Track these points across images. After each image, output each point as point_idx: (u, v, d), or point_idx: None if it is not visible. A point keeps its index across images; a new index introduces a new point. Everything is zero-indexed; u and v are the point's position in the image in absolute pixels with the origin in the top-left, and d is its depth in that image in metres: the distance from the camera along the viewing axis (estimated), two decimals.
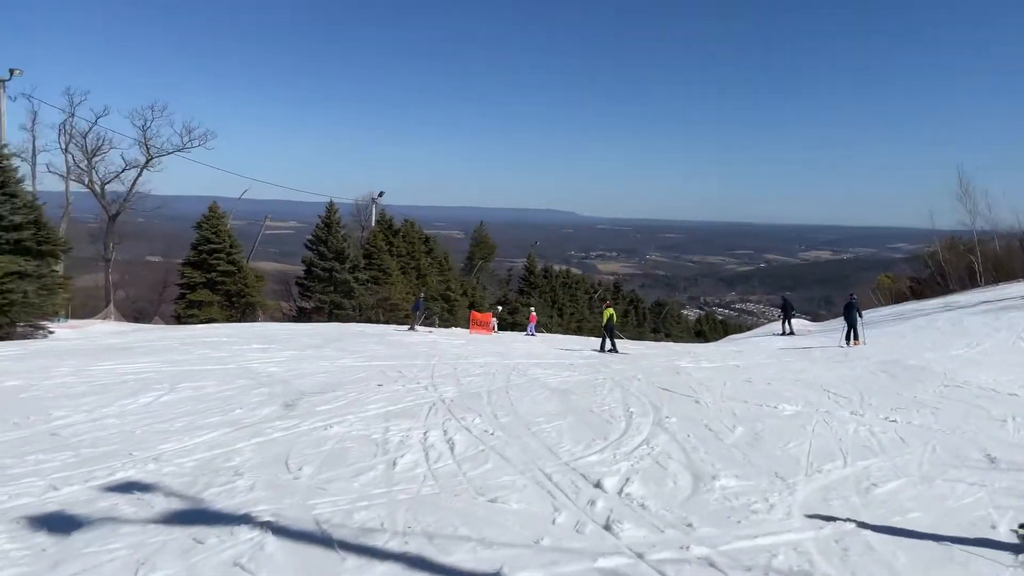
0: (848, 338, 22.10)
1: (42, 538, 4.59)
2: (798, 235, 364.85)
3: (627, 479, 6.25)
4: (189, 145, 41.16)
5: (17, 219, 20.57)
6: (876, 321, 27.97)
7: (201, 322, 34.22)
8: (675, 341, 79.12)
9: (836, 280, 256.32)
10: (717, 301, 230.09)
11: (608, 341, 20.95)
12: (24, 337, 20.51)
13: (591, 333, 62.58)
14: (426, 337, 23.52)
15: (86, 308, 39.84)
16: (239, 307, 37.63)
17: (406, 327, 29.54)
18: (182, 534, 4.70)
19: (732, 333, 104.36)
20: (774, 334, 29.26)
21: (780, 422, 8.79)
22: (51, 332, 23.34)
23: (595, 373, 13.81)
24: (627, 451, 7.32)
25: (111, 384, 10.47)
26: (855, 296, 23.65)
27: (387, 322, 40.43)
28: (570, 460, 6.89)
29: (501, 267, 69.55)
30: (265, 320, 38.27)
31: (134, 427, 7.81)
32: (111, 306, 37.81)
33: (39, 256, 21.64)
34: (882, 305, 42.93)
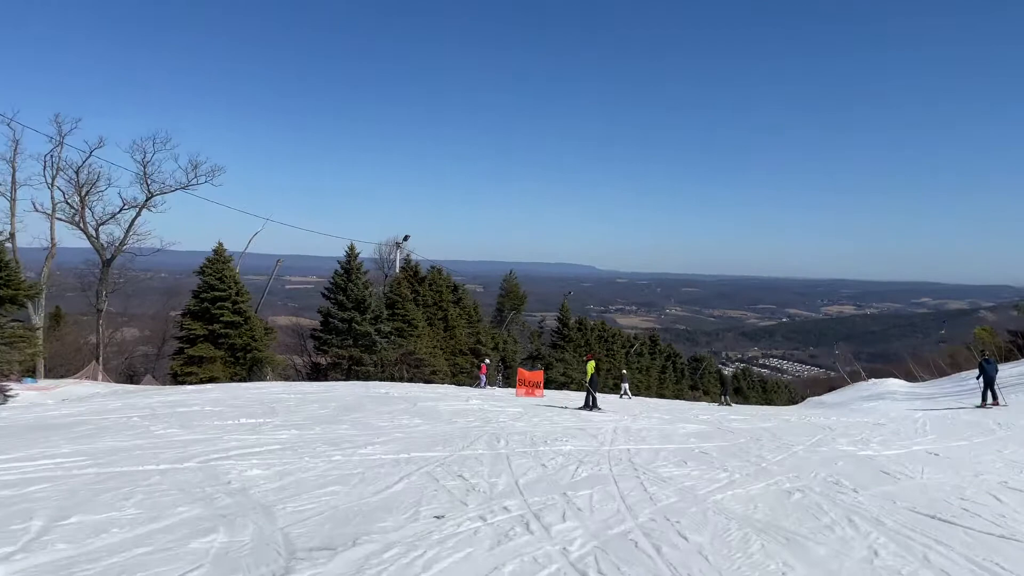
0: (985, 398, 20.79)
1: None
2: (819, 289, 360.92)
3: None
4: (195, 182, 36.90)
5: None
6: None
7: (200, 381, 29.56)
8: (715, 400, 74.15)
9: (862, 336, 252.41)
10: (739, 356, 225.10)
11: (591, 397, 19.92)
12: None
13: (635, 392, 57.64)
14: (468, 404, 18.58)
15: (74, 365, 35.34)
16: (245, 363, 32.92)
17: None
18: None
19: (770, 390, 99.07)
20: (975, 406, 21.34)
21: None
22: (11, 394, 19.15)
23: (765, 475, 8.82)
24: None
25: None
26: (989, 355, 23.52)
27: (411, 379, 35.57)
28: None
29: (530, 320, 64.62)
30: (274, 378, 33.48)
31: None
32: (97, 363, 33.16)
33: None
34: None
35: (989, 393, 20.72)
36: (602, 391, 44.32)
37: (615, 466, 8.97)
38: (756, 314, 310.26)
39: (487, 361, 36.01)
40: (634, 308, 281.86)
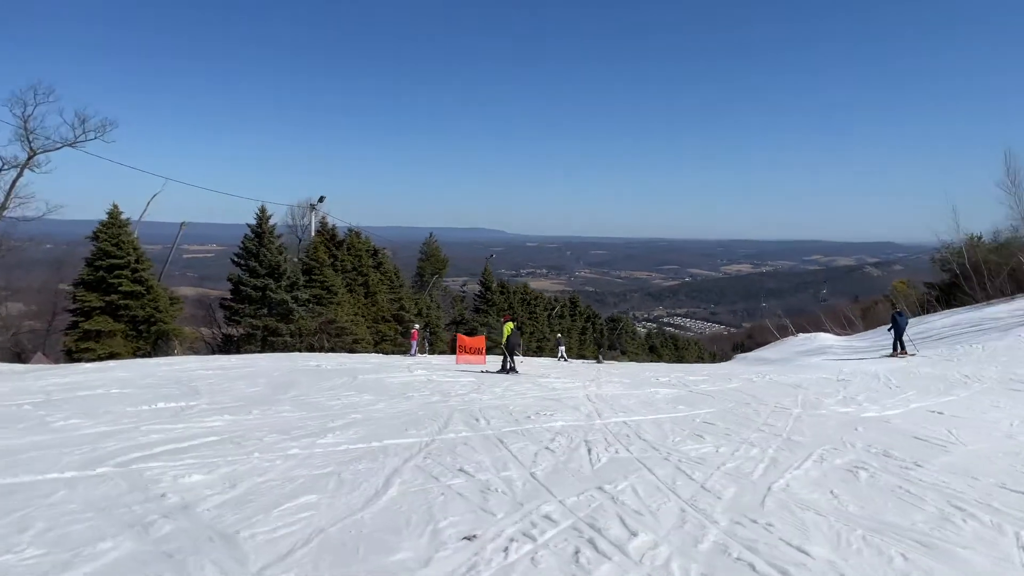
0: (895, 348, 22.23)
1: None
2: (719, 250, 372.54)
3: None
4: (83, 138, 33.02)
5: None
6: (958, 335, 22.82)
7: (100, 358, 26.64)
8: (652, 359, 74.20)
9: (757, 292, 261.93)
10: (646, 316, 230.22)
11: (509, 359, 19.48)
12: None
13: (549, 354, 56.83)
14: (414, 375, 16.88)
15: None
16: (149, 337, 30.02)
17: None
18: None
19: (682, 347, 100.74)
20: (885, 355, 22.73)
21: None
22: None
23: (800, 448, 7.61)
24: None
25: None
26: (900, 308, 24.54)
27: (332, 349, 33.44)
28: None
29: (449, 285, 62.75)
30: (183, 353, 30.74)
31: None
32: None
33: None
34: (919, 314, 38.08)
35: (900, 344, 22.15)
36: (527, 354, 43.31)
37: (630, 445, 7.60)
38: (661, 275, 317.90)
39: (417, 327, 34.24)
40: (544, 271, 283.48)
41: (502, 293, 55.52)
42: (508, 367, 19.34)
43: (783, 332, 41.58)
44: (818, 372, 18.28)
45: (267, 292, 32.61)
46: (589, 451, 7.23)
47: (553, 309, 64.40)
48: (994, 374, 15.16)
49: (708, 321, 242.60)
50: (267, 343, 32.79)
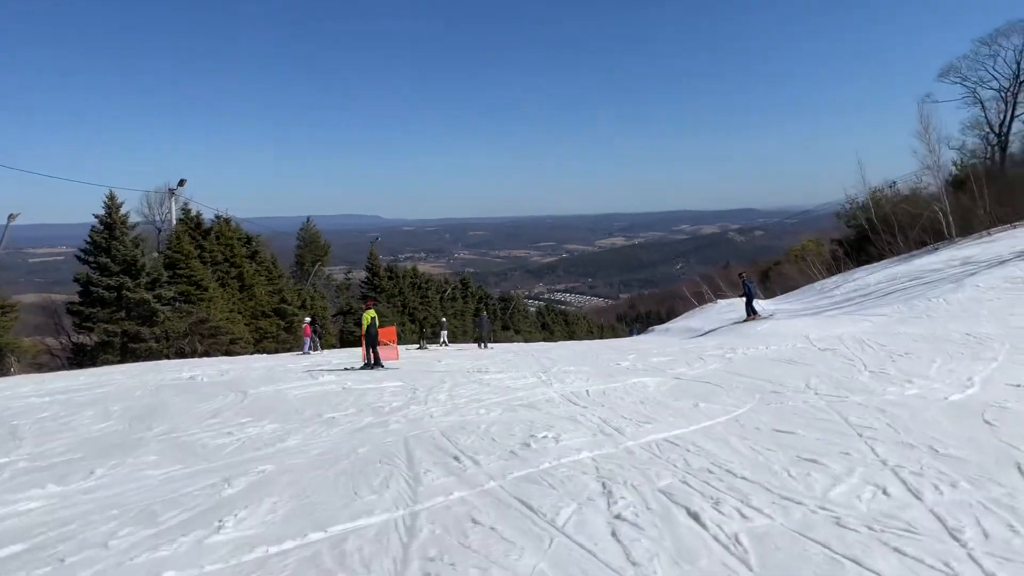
0: (748, 312, 23.82)
1: None
2: (593, 224, 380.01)
3: None
4: None
5: None
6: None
7: None
8: (544, 337, 72.08)
9: (632, 264, 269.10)
10: (527, 293, 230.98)
11: (372, 353, 17.04)
12: None
13: (464, 338, 53.84)
14: (321, 382, 13.41)
15: None
16: None
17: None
18: None
19: (571, 323, 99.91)
20: (739, 320, 24.40)
21: None
22: None
23: (931, 464, 5.00)
24: None
25: None
26: (746, 276, 26.97)
27: (207, 352, 29.09)
28: None
29: (330, 274, 58.15)
30: (24, 369, 25.72)
31: None
32: None
33: None
34: (819, 278, 37.39)
35: (751, 309, 23.84)
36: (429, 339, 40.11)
37: (749, 499, 4.72)
38: (539, 252, 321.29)
39: (308, 320, 30.37)
40: (424, 255, 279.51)
41: (390, 278, 51.87)
42: (372, 361, 17.01)
43: (700, 299, 40.19)
44: (784, 341, 16.16)
45: (123, 292, 27.85)
46: (697, 518, 4.29)
47: (444, 292, 61.20)
48: (995, 330, 13.41)
49: (587, 295, 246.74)
50: (128, 351, 28.06)
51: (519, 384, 11.70)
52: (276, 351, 33.36)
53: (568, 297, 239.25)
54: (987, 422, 6.48)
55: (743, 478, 5.03)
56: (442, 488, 5.20)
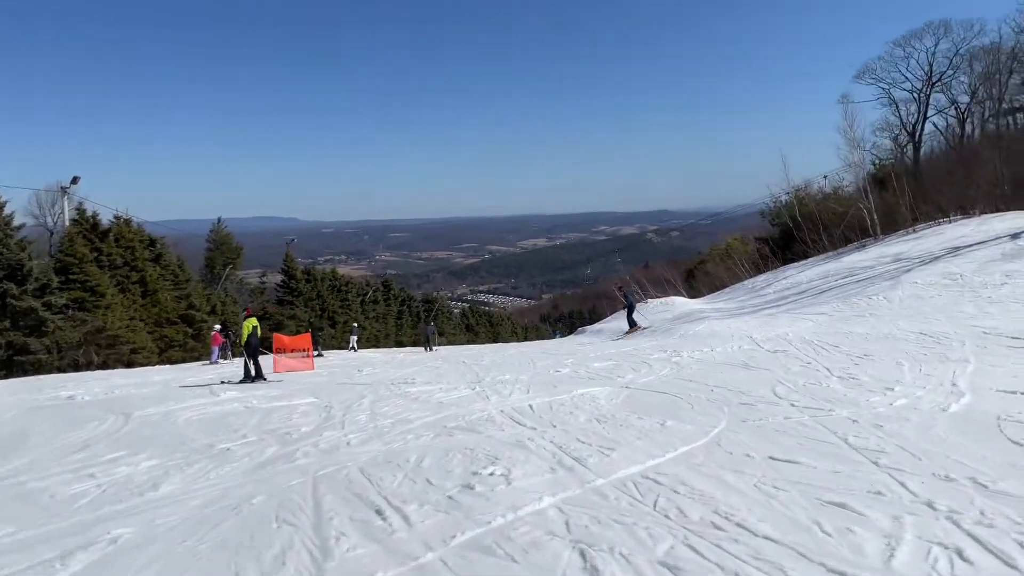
0: (631, 324, 23.70)
1: None
2: (514, 225, 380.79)
3: None
4: None
5: None
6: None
7: None
8: (469, 339, 70.28)
9: (554, 265, 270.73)
10: (450, 295, 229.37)
11: (252, 365, 15.41)
12: None
13: (387, 342, 51.96)
14: (222, 400, 11.73)
15: None
16: None
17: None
18: None
19: (496, 324, 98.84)
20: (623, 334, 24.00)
21: None
22: None
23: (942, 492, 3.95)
24: None
25: None
26: (622, 288, 27.88)
27: (104, 363, 26.67)
28: None
29: (244, 279, 55.17)
30: None
31: None
32: None
33: None
34: (747, 277, 37.10)
35: (632, 320, 23.84)
36: (332, 348, 38.27)
37: (755, 563, 3.53)
38: (461, 253, 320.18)
39: (219, 327, 28.25)
40: (344, 257, 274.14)
41: (308, 281, 49.49)
42: (252, 374, 15.40)
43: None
44: (727, 342, 15.29)
45: (8, 299, 25.18)
46: None
47: (366, 294, 59.04)
48: (949, 329, 12.81)
49: (510, 296, 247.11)
50: (14, 364, 25.40)
51: (451, 398, 10.35)
52: (183, 361, 30.99)
53: (491, 298, 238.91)
54: (1015, 441, 5.52)
55: (766, 537, 3.82)
56: (361, 566, 3.82)
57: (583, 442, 6.58)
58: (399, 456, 6.46)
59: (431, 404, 9.79)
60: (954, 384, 8.20)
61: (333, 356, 29.13)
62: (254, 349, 15.51)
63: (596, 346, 20.88)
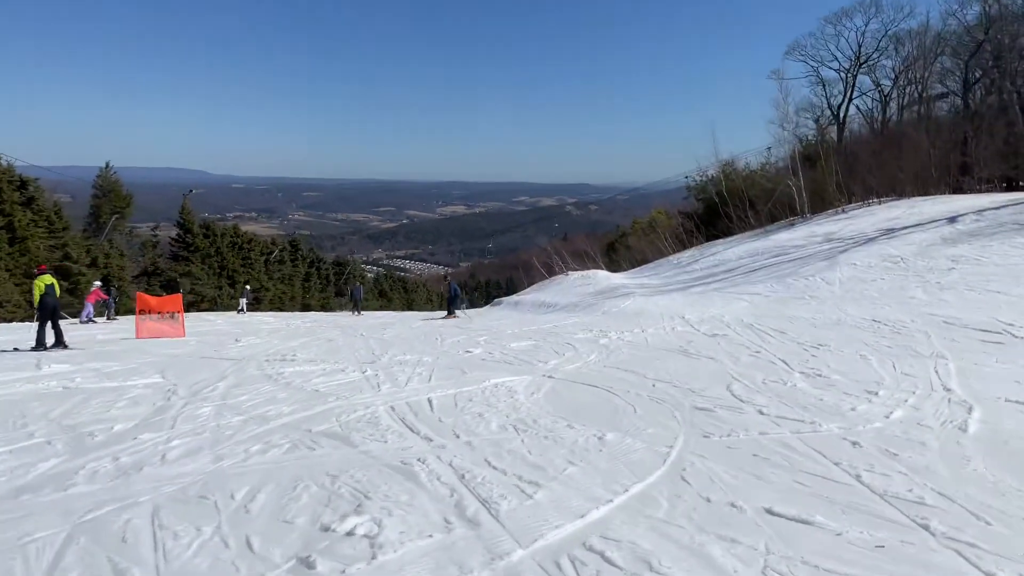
0: (449, 312, 24.74)
1: None
2: (434, 191, 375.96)
3: None
4: None
5: None
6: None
7: None
8: (382, 304, 67.31)
9: (473, 233, 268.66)
10: (366, 259, 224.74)
11: (48, 331, 12.99)
12: None
13: (292, 305, 48.99)
14: (44, 372, 9.29)
15: None
16: None
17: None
18: None
19: (410, 290, 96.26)
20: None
21: None
22: None
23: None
24: None
25: None
26: (449, 279, 29.52)
27: None
28: None
29: (138, 231, 50.85)
30: None
31: None
32: None
33: None
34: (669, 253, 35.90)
35: (450, 310, 24.69)
36: (252, 307, 35.44)
37: None
38: (378, 217, 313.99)
39: (97, 284, 25.30)
40: (254, 215, 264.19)
41: (206, 236, 45.85)
42: (48, 343, 13.03)
43: (549, 271, 37.84)
44: (658, 322, 13.73)
45: None
46: None
47: (271, 254, 55.55)
48: (903, 316, 11.51)
49: (428, 262, 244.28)
50: None
51: (333, 384, 8.28)
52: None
53: (408, 264, 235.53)
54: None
55: None
56: None
57: (494, 467, 4.68)
58: (224, 485, 4.39)
59: (304, 393, 7.70)
60: (947, 389, 6.71)
61: (218, 319, 26.48)
62: (51, 311, 12.94)
63: (516, 320, 19.04)
